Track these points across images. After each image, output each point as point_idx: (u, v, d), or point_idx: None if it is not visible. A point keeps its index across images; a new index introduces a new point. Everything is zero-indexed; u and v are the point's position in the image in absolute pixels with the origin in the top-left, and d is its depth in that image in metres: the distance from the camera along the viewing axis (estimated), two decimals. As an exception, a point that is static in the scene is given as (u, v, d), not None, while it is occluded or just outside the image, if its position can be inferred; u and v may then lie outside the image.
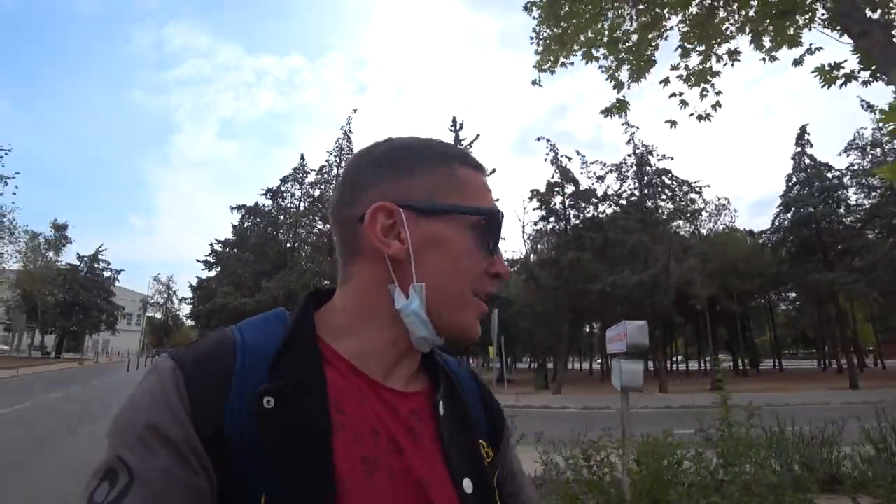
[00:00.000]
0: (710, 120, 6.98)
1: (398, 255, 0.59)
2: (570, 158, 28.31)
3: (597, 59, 6.07)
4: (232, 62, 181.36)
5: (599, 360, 45.98)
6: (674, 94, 6.85)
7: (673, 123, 7.14)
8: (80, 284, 47.85)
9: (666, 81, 6.43)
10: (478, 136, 30.46)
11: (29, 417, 11.48)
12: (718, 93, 6.81)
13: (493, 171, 29.28)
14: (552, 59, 7.12)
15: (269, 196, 38.12)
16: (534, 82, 6.99)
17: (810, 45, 6.67)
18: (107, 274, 52.27)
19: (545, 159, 28.13)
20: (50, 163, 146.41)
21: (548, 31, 7.26)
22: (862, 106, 24.37)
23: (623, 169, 27.72)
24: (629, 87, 5.94)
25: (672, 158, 30.79)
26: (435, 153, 0.64)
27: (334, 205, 0.64)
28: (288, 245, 37.00)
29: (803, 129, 31.76)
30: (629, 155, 27.58)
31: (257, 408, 0.50)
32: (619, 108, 5.87)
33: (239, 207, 38.50)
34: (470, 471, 0.61)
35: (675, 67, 6.33)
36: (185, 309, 62.27)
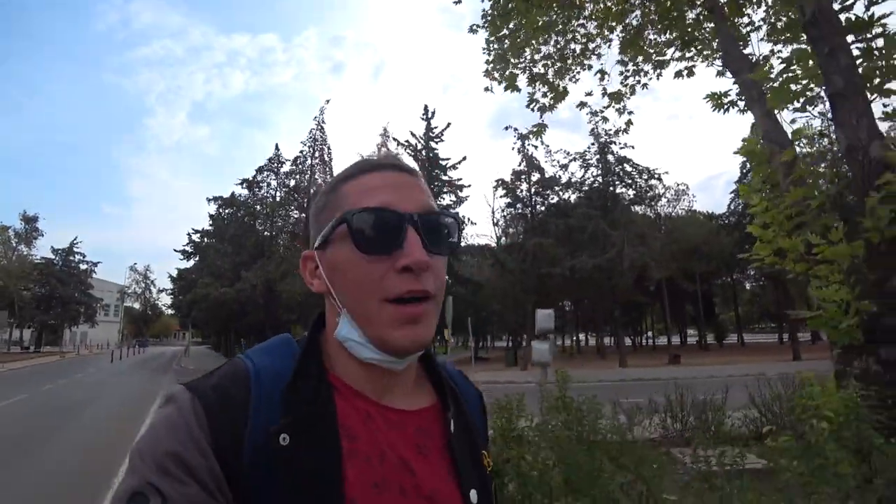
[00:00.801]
0: (627, 133, 8.22)
1: (320, 289, 0.63)
2: (536, 147, 29.52)
3: (518, 89, 7.19)
4: (202, 41, 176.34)
5: (575, 338, 48.06)
6: (594, 112, 8.06)
7: (597, 137, 8.38)
8: (56, 278, 47.74)
9: (582, 105, 7.61)
10: (449, 124, 31.29)
11: (30, 408, 12.35)
12: (630, 112, 8.05)
13: (464, 158, 30.37)
14: (501, 67, 8.18)
15: (245, 186, 38.55)
16: (486, 89, 8.01)
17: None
18: (83, 266, 52.11)
19: (512, 148, 29.38)
20: (14, 151, 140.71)
21: (495, 45, 8.36)
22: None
23: (586, 157, 29.10)
24: (542, 117, 7.06)
25: (633, 147, 32.23)
26: (334, 182, 0.65)
27: None
28: (266, 234, 37.64)
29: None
30: (592, 143, 28.92)
31: (273, 445, 0.52)
32: (537, 132, 7.02)
33: (215, 199, 38.91)
34: (476, 482, 0.63)
35: (588, 94, 7.50)
36: (164, 299, 62.46)
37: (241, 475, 0.52)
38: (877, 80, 4.29)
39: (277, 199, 37.77)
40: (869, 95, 4.19)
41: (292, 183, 37.68)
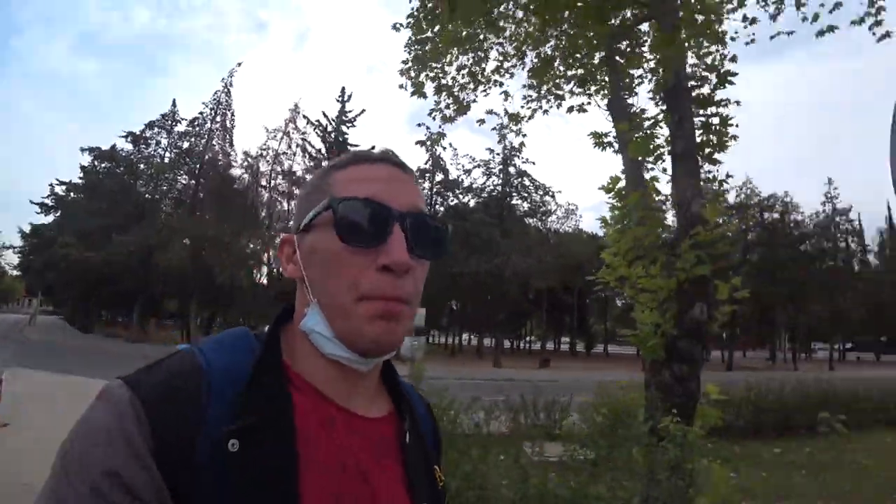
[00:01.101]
0: (520, 152, 8.97)
1: (294, 275, 0.60)
2: (444, 148, 30.37)
3: (425, 96, 7.59)
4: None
5: (457, 337, 49.74)
6: (494, 128, 8.70)
7: (491, 150, 9.04)
8: None
9: (482, 122, 8.22)
10: (363, 110, 31.05)
11: None
12: (524, 135, 8.77)
13: (374, 147, 30.21)
14: (418, 69, 8.42)
15: (129, 140, 35.05)
16: (401, 87, 8.19)
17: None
18: None
19: (422, 146, 29.85)
20: None
21: (416, 46, 8.62)
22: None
23: (490, 166, 30.55)
24: (442, 127, 7.56)
25: (534, 163, 34.33)
26: (326, 168, 0.63)
27: None
28: (148, 197, 34.55)
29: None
30: (496, 154, 30.42)
31: (224, 449, 0.48)
32: (436, 139, 7.53)
33: (92, 150, 34.89)
34: (428, 496, 0.62)
35: (489, 112, 8.10)
36: (10, 257, 54.46)
37: (191, 481, 0.47)
38: (707, 150, 5.29)
39: (166, 160, 34.86)
40: (700, 161, 5.16)
41: (186, 145, 35.01)
